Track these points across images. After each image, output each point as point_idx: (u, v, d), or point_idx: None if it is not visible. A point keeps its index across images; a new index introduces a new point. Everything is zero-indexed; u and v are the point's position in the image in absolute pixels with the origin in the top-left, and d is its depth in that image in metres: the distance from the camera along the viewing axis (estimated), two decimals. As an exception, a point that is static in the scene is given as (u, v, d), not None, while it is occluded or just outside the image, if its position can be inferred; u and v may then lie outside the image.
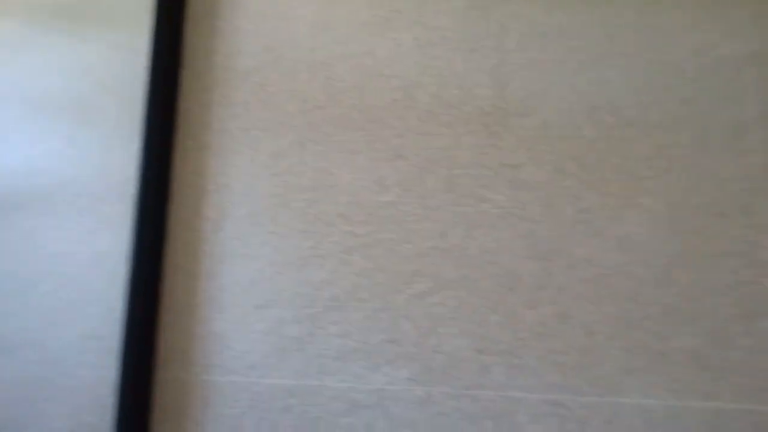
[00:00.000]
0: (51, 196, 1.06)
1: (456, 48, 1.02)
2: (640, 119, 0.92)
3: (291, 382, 0.99)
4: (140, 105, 1.07)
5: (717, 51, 0.92)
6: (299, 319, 1.01)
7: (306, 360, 1.00)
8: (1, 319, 1.03)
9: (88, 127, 1.08)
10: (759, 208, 0.86)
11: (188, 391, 1.01)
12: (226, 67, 1.08)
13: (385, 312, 0.98)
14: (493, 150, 0.98)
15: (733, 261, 0.85)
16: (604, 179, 0.92)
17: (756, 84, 0.89)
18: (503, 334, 0.93)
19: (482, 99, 1.00)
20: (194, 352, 1.02)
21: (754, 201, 0.86)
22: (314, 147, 1.04)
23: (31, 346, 1.01)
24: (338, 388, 0.98)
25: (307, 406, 0.98)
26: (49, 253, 1.04)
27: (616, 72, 0.95)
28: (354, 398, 0.97)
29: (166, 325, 1.03)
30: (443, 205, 0.98)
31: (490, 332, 0.93)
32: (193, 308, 1.03)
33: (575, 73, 0.97)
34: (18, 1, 1.15)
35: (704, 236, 0.86)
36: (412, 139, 1.01)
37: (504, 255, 0.95)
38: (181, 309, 1.02)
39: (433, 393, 0.94)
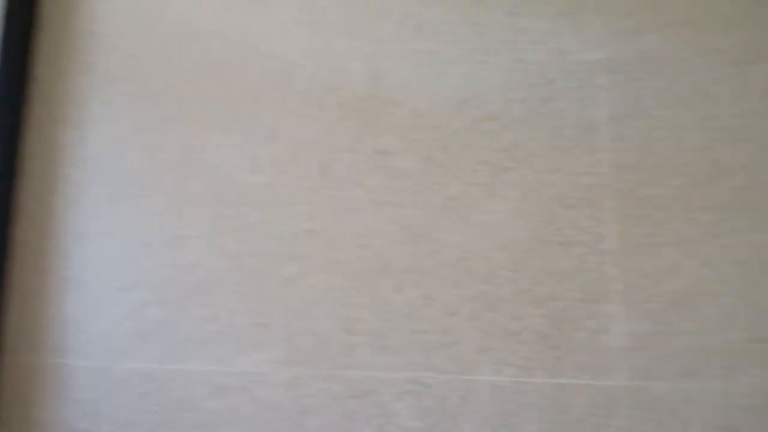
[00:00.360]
0: None
1: (335, 31, 1.03)
2: (504, 114, 0.98)
3: (152, 366, 0.95)
4: (-12, 67, 0.98)
5: (574, 56, 0.99)
6: (164, 302, 0.97)
7: (169, 344, 0.96)
8: None
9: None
10: (604, 201, 0.94)
11: (37, 376, 0.94)
12: (88, 32, 1.01)
13: (254, 295, 0.97)
14: (367, 136, 0.99)
15: (580, 249, 0.92)
16: (469, 169, 0.97)
17: (607, 88, 0.98)
18: (371, 315, 0.95)
19: (358, 85, 1.01)
20: (44, 335, 0.95)
21: (600, 195, 0.94)
22: (184, 123, 1.01)
23: None
24: (202, 372, 0.96)
25: (168, 390, 0.95)
26: None
27: (484, 68, 1.00)
28: (218, 382, 0.96)
29: (12, 305, 0.95)
30: (316, 189, 0.98)
31: (358, 314, 0.95)
32: (42, 288, 0.96)
33: (446, 66, 1.01)
34: None
35: (555, 225, 0.93)
36: (288, 120, 1.00)
37: (374, 239, 0.97)
38: (30, 289, 0.95)
39: (299, 375, 0.94)
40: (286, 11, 1.04)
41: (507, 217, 0.95)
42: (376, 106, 1.00)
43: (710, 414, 0.83)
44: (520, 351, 0.92)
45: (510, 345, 0.92)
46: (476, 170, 0.98)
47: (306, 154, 0.99)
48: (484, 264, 0.95)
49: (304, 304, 0.96)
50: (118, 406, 0.94)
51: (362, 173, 0.98)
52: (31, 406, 0.94)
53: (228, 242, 0.97)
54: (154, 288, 0.97)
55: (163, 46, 1.03)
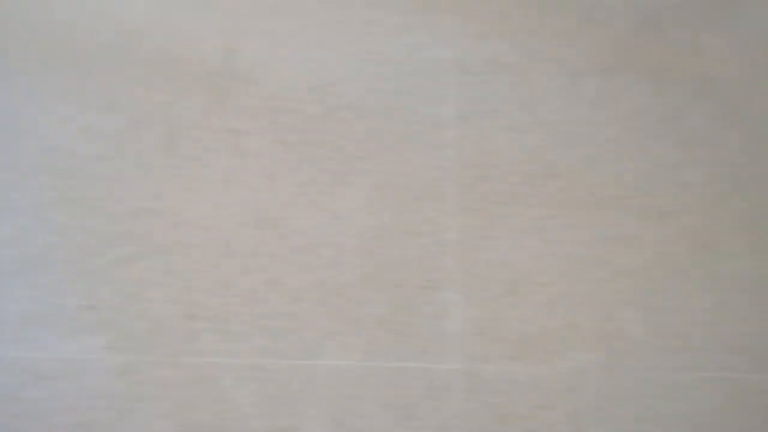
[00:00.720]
0: None
1: (190, 2, 0.99)
2: (358, 104, 1.00)
3: (-44, 352, 0.85)
4: None
5: (427, 53, 1.03)
6: (-24, 281, 0.87)
7: (-20, 327, 0.87)
8: None
9: None
10: (448, 195, 0.99)
11: None
12: None
13: (83, 275, 0.90)
14: (217, 114, 0.96)
15: (423, 239, 0.96)
16: (321, 156, 0.97)
17: (456, 87, 1.02)
18: (213, 300, 0.92)
19: (210, 60, 0.98)
20: None
21: (444, 189, 0.99)
22: (11, 88, 0.91)
23: None
24: (20, 358, 0.87)
25: (-25, 379, 0.85)
26: None
27: (340, 56, 1.01)
28: (40, 369, 0.88)
29: None
30: (159, 165, 0.93)
31: (201, 298, 0.92)
32: None
33: (304, 50, 1.00)
34: None
35: (401, 216, 0.96)
36: (129, 90, 0.94)
37: (219, 221, 0.94)
38: None
39: (133, 361, 0.89)
40: (135, -25, 0.98)
41: (357, 205, 0.97)
42: (228, 83, 0.97)
43: (534, 394, 0.90)
44: (364, 336, 0.93)
45: (354, 330, 0.94)
46: (329, 158, 0.98)
47: (148, 127, 0.93)
48: (331, 250, 0.95)
49: (140, 286, 0.90)
50: None
51: (210, 152, 0.95)
52: None
53: (55, 216, 0.89)
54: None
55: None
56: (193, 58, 0.97)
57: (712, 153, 1.01)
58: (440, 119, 1.01)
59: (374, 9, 1.03)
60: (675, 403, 0.87)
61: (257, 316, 0.93)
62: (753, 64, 1.05)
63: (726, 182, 1.00)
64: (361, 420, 0.88)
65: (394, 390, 0.91)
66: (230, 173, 0.95)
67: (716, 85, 1.04)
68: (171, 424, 0.86)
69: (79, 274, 0.89)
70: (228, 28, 0.99)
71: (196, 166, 0.95)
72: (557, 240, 0.96)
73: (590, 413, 0.86)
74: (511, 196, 0.97)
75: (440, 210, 0.97)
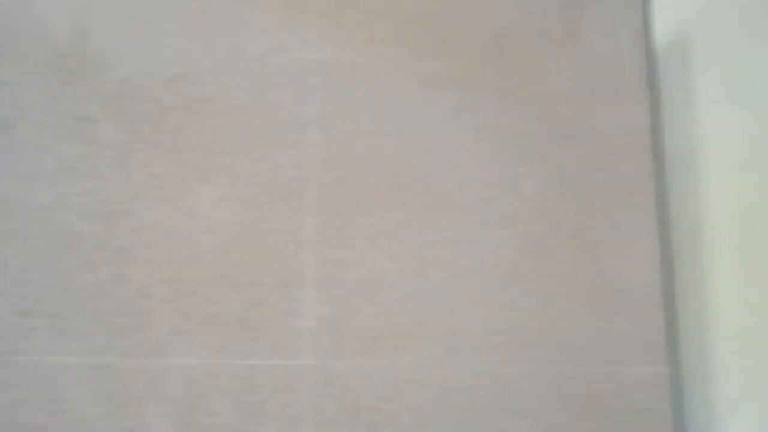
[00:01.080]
0: None
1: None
2: (219, 98, 0.98)
3: None
4: None
5: (293, 54, 1.04)
6: None
7: None
8: None
9: None
10: (307, 194, 1.01)
11: None
12: None
13: None
14: (64, 99, 0.90)
15: (281, 237, 0.97)
16: (179, 148, 0.95)
17: (319, 89, 1.04)
18: (52, 295, 0.87)
19: (60, 39, 0.91)
20: None
21: (304, 188, 1.01)
22: None
23: None
24: None
25: None
26: None
27: (203, 48, 0.99)
28: None
29: None
30: (-6, 149, 0.86)
31: (38, 293, 0.86)
32: None
33: (163, 38, 0.97)
34: None
35: (260, 213, 0.97)
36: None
37: (63, 212, 0.89)
38: None
39: (-47, 362, 0.81)
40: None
41: (213, 201, 0.96)
42: (79, 67, 0.92)
43: (380, 388, 0.95)
44: (216, 334, 0.93)
45: (206, 328, 0.93)
46: (186, 151, 0.96)
47: (-18, 107, 0.86)
48: (186, 246, 0.94)
49: (-34, 280, 0.83)
50: None
51: (55, 138, 0.89)
52: None
53: None
54: None
55: None
56: (40, 37, 0.91)
57: (548, 167, 1.12)
58: (303, 120, 1.02)
59: (242, 5, 1.02)
60: (505, 394, 0.96)
61: (100, 314, 0.89)
62: (589, 87, 1.18)
63: (558, 194, 1.11)
64: (209, 418, 0.87)
65: (244, 388, 0.92)
66: (76, 162, 0.90)
67: (555, 106, 1.16)
68: (2, 424, 0.80)
69: None
70: (81, 6, 0.94)
71: (37, 152, 0.88)
72: (408, 242, 1.02)
73: (430, 405, 0.93)
74: (367, 199, 1.02)
75: (299, 209, 0.99)
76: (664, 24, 1.29)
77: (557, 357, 1.01)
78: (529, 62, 1.18)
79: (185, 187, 0.95)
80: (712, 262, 1.12)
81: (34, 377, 0.85)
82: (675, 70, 1.20)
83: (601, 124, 1.18)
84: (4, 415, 0.83)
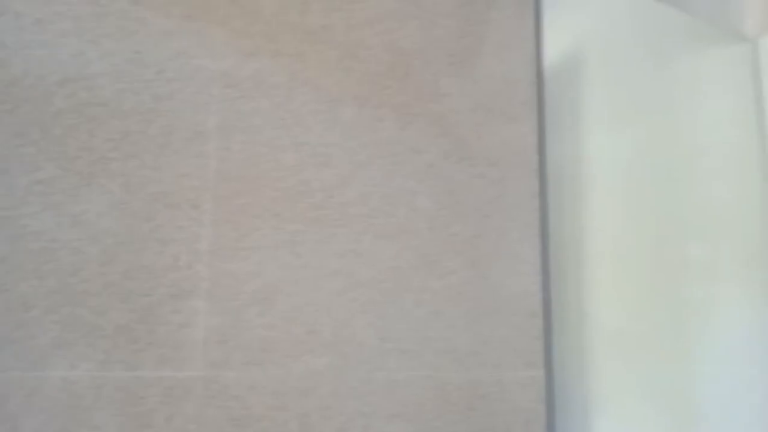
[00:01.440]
0: None
1: None
2: (113, 103, 0.97)
3: None
4: None
5: (195, 61, 1.03)
6: None
7: None
8: None
9: None
10: (204, 205, 1.00)
11: None
12: None
13: None
14: (-61, 98, 0.86)
15: (176, 247, 0.97)
16: (67, 153, 0.93)
17: (219, 99, 1.04)
18: None
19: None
20: None
21: (201, 198, 1.00)
22: None
23: None
24: None
25: None
26: None
27: (97, 51, 0.97)
28: None
29: None
30: None
31: None
32: None
33: (55, 39, 0.94)
34: None
35: (155, 222, 0.96)
36: None
37: (-66, 218, 0.84)
38: None
39: None
40: None
41: (104, 209, 0.94)
42: (-44, 67, 0.87)
43: (269, 397, 0.96)
44: (101, 345, 0.91)
45: (90, 339, 0.91)
46: (76, 157, 0.94)
47: None
48: (71, 256, 0.91)
49: None
50: None
51: (-73, 140, 0.85)
52: None
53: None
54: None
55: None
56: None
57: (443, 184, 1.17)
58: (202, 129, 1.02)
59: (143, 8, 1.01)
60: (392, 400, 1.00)
61: (-25, 324, 0.85)
62: (483, 109, 1.24)
63: (451, 209, 1.17)
64: (91, 431, 0.86)
65: (129, 400, 0.90)
66: (-48, 165, 0.86)
67: (452, 126, 1.21)
68: None
69: None
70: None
71: None
72: (306, 253, 1.04)
73: (319, 412, 0.95)
74: (265, 211, 1.03)
75: (195, 219, 0.99)
76: (553, 50, 1.38)
77: (443, 363, 1.06)
78: (429, 83, 1.23)
79: (72, 193, 0.92)
80: (589, 273, 1.21)
81: None
82: (562, 93, 1.30)
83: (493, 144, 1.25)
84: None
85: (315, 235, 1.07)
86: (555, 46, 1.38)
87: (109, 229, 0.93)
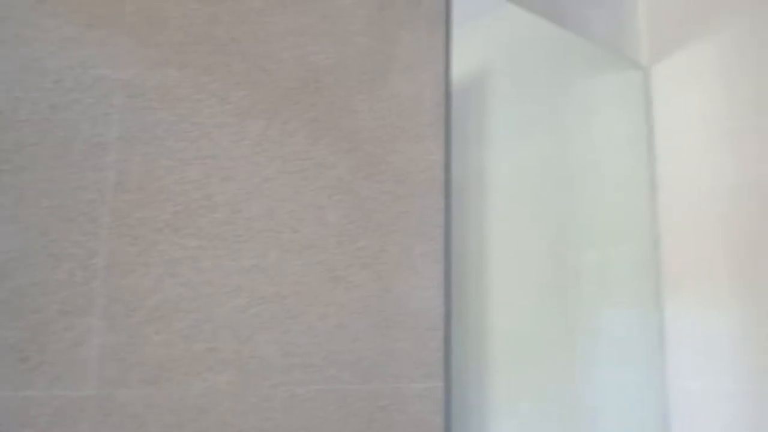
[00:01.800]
0: None
1: None
2: (7, 113, 0.93)
3: None
4: None
5: (96, 71, 1.01)
6: None
7: None
8: None
9: None
10: (102, 218, 0.98)
11: None
12: None
13: None
14: None
15: (70, 262, 0.94)
16: (-50, 167, 0.89)
17: (121, 109, 1.03)
18: None
19: None
20: None
21: (99, 212, 0.98)
22: None
23: None
24: None
25: None
26: None
27: (-15, 62, 0.93)
28: None
29: None
30: None
31: None
32: None
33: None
34: None
35: (48, 237, 0.93)
36: None
37: None
38: None
39: None
40: None
41: (-9, 223, 0.90)
42: None
43: (167, 416, 0.96)
44: (-14, 365, 0.87)
45: (-26, 359, 0.87)
46: (-39, 168, 0.90)
47: None
48: (-47, 271, 0.87)
49: None
50: None
51: None
52: None
53: None
54: None
55: None
56: None
57: (351, 199, 1.20)
58: (102, 140, 1.00)
59: (41, 13, 0.97)
60: (295, 415, 1.02)
61: None
62: (392, 127, 1.27)
63: (358, 225, 1.20)
64: (-31, 457, 0.82)
65: (16, 420, 0.88)
66: None
67: (361, 142, 1.24)
68: None
69: None
70: None
71: None
72: (208, 269, 1.04)
73: (219, 428, 0.95)
74: (167, 225, 1.02)
75: (91, 234, 0.97)
76: (461, 68, 1.44)
77: (345, 376, 1.09)
78: (339, 99, 1.25)
79: (-43, 207, 0.88)
80: (491, 283, 1.27)
81: None
82: (469, 110, 1.35)
83: (401, 161, 1.29)
84: None
85: (218, 250, 1.07)
86: (463, 64, 1.43)
87: (1, 244, 0.90)
